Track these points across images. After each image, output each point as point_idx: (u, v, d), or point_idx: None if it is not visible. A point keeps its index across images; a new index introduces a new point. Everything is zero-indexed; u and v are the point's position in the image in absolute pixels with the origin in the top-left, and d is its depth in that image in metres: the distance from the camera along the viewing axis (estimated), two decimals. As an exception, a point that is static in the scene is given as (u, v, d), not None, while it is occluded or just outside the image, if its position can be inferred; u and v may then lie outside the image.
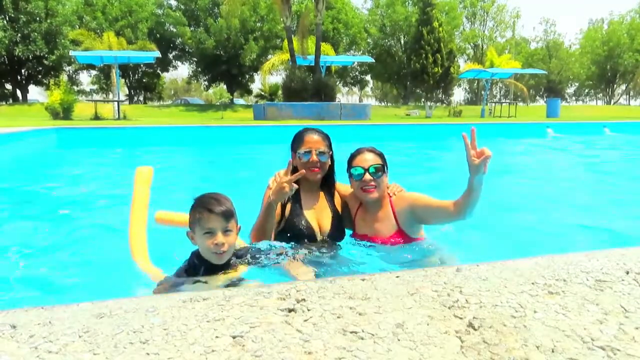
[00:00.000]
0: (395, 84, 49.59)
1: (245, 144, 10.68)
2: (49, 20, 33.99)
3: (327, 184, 2.65)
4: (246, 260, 2.12)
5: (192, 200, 1.99)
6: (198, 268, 1.96)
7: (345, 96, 71.58)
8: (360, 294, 1.27)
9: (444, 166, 7.66)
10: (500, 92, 61.23)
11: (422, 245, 2.53)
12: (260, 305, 1.19)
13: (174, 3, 41.49)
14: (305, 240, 2.44)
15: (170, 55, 42.56)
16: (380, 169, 2.47)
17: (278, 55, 27.64)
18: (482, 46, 50.89)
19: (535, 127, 15.29)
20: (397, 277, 1.40)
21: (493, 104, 28.77)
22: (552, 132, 14.36)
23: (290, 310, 1.16)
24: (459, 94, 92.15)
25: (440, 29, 38.55)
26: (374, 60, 37.09)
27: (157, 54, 23.25)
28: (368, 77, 52.90)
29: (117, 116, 19.78)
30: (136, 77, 43.98)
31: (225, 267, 2.00)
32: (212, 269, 1.97)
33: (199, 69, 42.90)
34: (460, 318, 1.13)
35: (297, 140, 2.55)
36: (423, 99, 42.27)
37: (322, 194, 2.62)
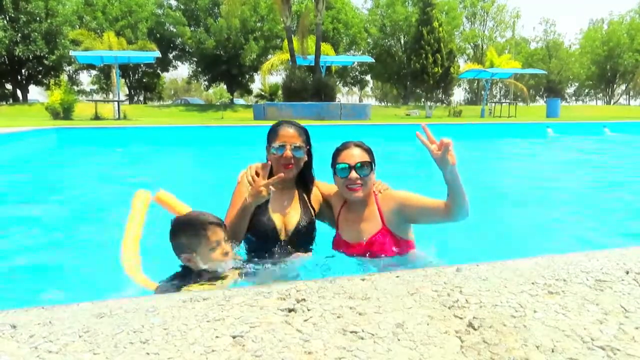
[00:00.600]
0: (395, 84, 49.58)
1: (245, 144, 10.68)
2: (49, 20, 33.99)
3: (304, 181, 2.47)
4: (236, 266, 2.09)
5: (171, 226, 1.94)
6: (192, 271, 1.94)
7: (345, 96, 71.59)
8: (360, 294, 1.27)
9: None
10: (500, 92, 61.23)
11: (407, 258, 2.34)
12: (260, 305, 1.19)
13: (174, 3, 41.53)
14: (268, 240, 2.29)
15: (170, 55, 42.55)
16: (368, 166, 2.28)
17: (278, 55, 27.66)
18: (482, 46, 50.89)
19: (535, 127, 15.30)
20: (397, 277, 1.40)
21: (493, 104, 28.77)
22: (552, 132, 14.36)
23: (290, 310, 1.16)
24: (459, 94, 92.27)
25: (440, 29, 38.55)
26: (374, 60, 37.09)
27: (157, 54, 23.26)
28: (368, 77, 52.90)
29: (117, 116, 19.79)
30: (136, 77, 43.98)
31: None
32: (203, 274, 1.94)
33: (199, 69, 42.91)
34: (460, 318, 1.13)
35: (272, 134, 2.37)
36: (423, 99, 42.27)
37: (296, 192, 2.45)
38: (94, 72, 42.98)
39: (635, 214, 4.05)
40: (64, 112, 17.29)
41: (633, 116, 26.02)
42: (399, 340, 1.02)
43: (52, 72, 36.52)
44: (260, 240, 2.30)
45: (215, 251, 1.90)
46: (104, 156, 8.95)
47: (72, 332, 1.04)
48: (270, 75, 30.16)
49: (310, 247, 2.42)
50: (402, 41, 45.71)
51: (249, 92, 47.73)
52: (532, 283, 1.35)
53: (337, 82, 39.47)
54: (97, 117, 18.08)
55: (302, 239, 2.37)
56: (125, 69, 39.35)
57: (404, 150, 9.50)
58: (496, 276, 1.41)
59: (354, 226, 2.37)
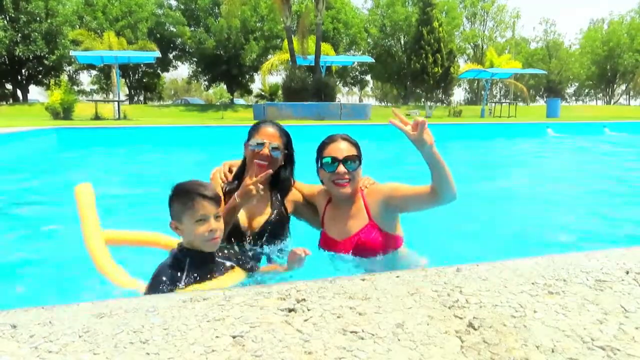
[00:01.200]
0: (395, 84, 49.59)
1: (245, 144, 10.62)
2: (49, 20, 34.00)
3: (279, 183, 2.44)
4: (235, 263, 2.02)
5: (171, 189, 1.88)
6: (183, 262, 1.87)
7: (345, 96, 71.58)
8: (360, 294, 1.27)
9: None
10: (500, 92, 61.21)
11: (397, 255, 2.30)
12: (260, 305, 1.19)
13: (174, 3, 41.53)
14: (232, 236, 2.26)
15: (171, 55, 42.54)
16: (356, 160, 2.21)
17: (278, 55, 27.67)
18: (482, 46, 50.87)
19: (535, 127, 15.29)
20: (397, 277, 1.40)
21: (493, 104, 28.77)
22: (552, 132, 14.36)
23: (290, 310, 1.16)
24: (459, 94, 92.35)
25: (440, 29, 38.56)
26: (374, 60, 37.09)
27: (157, 54, 23.26)
28: (368, 77, 52.90)
29: (117, 116, 19.79)
30: (136, 77, 43.98)
31: (212, 259, 1.91)
32: (199, 261, 1.87)
33: (199, 69, 42.91)
34: (460, 318, 1.13)
35: (253, 130, 2.37)
36: (423, 99, 42.26)
37: (269, 192, 2.42)
38: (94, 72, 42.97)
39: (635, 214, 4.05)
40: (64, 112, 17.29)
41: (633, 116, 26.01)
42: (399, 340, 1.02)
43: (52, 72, 36.54)
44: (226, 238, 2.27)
45: (200, 225, 1.81)
46: (103, 156, 8.95)
47: (72, 332, 1.04)
48: (270, 75, 30.19)
49: (280, 248, 2.38)
50: (402, 41, 45.72)
51: (249, 92, 47.73)
52: (532, 283, 1.35)
53: (337, 82, 39.45)
54: (97, 117, 18.08)
55: (269, 238, 2.35)
56: (125, 69, 39.34)
57: (403, 151, 9.50)
58: (496, 276, 1.41)
59: (340, 223, 2.31)
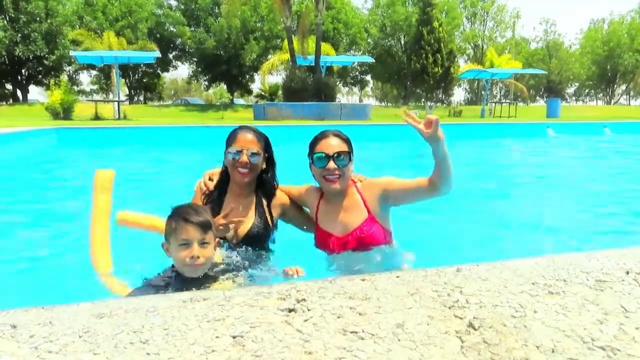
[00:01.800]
0: (395, 84, 49.57)
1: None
2: (49, 20, 33.99)
3: (264, 187, 2.46)
4: (228, 276, 2.01)
5: (170, 210, 1.88)
6: (172, 279, 1.87)
7: (346, 96, 71.57)
8: (360, 294, 1.27)
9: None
10: (500, 92, 61.19)
11: (393, 250, 2.34)
12: (260, 305, 1.19)
13: (174, 3, 41.53)
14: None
15: (170, 55, 42.53)
16: (346, 156, 2.23)
17: (278, 55, 27.66)
18: (482, 46, 50.87)
19: (536, 127, 15.29)
20: (397, 277, 1.40)
21: (493, 104, 28.75)
22: (553, 132, 14.36)
23: (290, 310, 1.16)
24: (459, 94, 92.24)
25: (441, 29, 38.55)
26: (374, 60, 37.06)
27: (157, 54, 23.26)
28: (368, 77, 52.87)
29: (117, 116, 19.79)
30: (136, 77, 43.96)
31: (201, 281, 1.87)
32: (184, 282, 1.84)
33: (199, 69, 42.89)
34: (461, 318, 1.13)
35: (230, 138, 2.37)
36: (423, 99, 42.24)
37: (254, 198, 2.44)
38: (94, 72, 42.96)
39: (635, 214, 4.05)
40: (64, 112, 17.29)
41: (633, 116, 26.01)
42: (399, 340, 1.02)
43: (52, 72, 36.52)
44: None
45: (183, 250, 1.80)
46: (103, 156, 8.95)
47: (72, 332, 1.04)
48: (270, 75, 30.22)
49: (263, 254, 2.39)
50: (402, 41, 45.71)
51: (249, 92, 47.71)
52: (532, 283, 1.35)
53: (337, 82, 39.46)
54: (97, 117, 18.07)
55: (254, 244, 2.37)
56: (125, 69, 39.32)
57: (403, 151, 9.51)
58: (496, 276, 1.41)
59: (337, 218, 2.32)
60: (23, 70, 37.65)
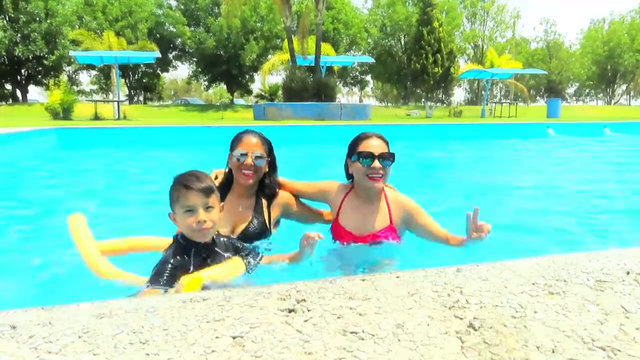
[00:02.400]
0: (395, 84, 49.59)
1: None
2: (49, 21, 34.00)
3: (266, 189, 2.52)
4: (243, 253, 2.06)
5: (172, 180, 1.91)
6: (188, 250, 1.88)
7: (346, 96, 71.64)
8: (360, 294, 1.27)
9: (443, 166, 7.67)
10: (500, 92, 61.20)
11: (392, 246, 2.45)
12: (260, 306, 1.19)
13: (173, 3, 41.54)
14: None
15: (170, 55, 42.56)
16: (390, 158, 2.37)
17: (278, 55, 27.68)
18: (482, 46, 50.90)
19: (536, 127, 15.28)
20: (398, 277, 1.40)
21: (493, 104, 28.75)
22: (553, 133, 14.35)
23: (290, 311, 1.16)
24: (459, 94, 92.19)
25: (441, 29, 38.56)
26: (374, 61, 37.10)
27: (157, 54, 23.24)
28: (368, 77, 52.92)
29: (117, 116, 19.78)
30: (136, 77, 43.99)
31: (214, 247, 1.95)
32: (201, 248, 1.90)
33: (199, 69, 42.92)
34: (461, 318, 1.12)
35: (235, 141, 2.45)
36: (423, 99, 42.26)
37: (255, 199, 2.50)
38: (93, 72, 42.97)
39: (635, 214, 4.05)
40: (64, 112, 17.29)
41: (633, 116, 26.02)
42: (399, 340, 1.02)
43: (51, 72, 36.52)
44: None
45: (188, 216, 1.83)
46: (103, 156, 8.95)
47: (72, 333, 1.04)
48: (270, 75, 30.21)
49: (259, 252, 2.40)
50: (403, 41, 45.74)
51: (249, 92, 47.75)
52: (533, 283, 1.35)
53: (338, 82, 39.48)
54: (97, 117, 18.08)
55: (250, 243, 2.39)
56: (125, 69, 39.34)
57: (403, 151, 9.49)
58: (496, 276, 1.40)
59: (360, 215, 2.42)
60: (23, 70, 37.67)
